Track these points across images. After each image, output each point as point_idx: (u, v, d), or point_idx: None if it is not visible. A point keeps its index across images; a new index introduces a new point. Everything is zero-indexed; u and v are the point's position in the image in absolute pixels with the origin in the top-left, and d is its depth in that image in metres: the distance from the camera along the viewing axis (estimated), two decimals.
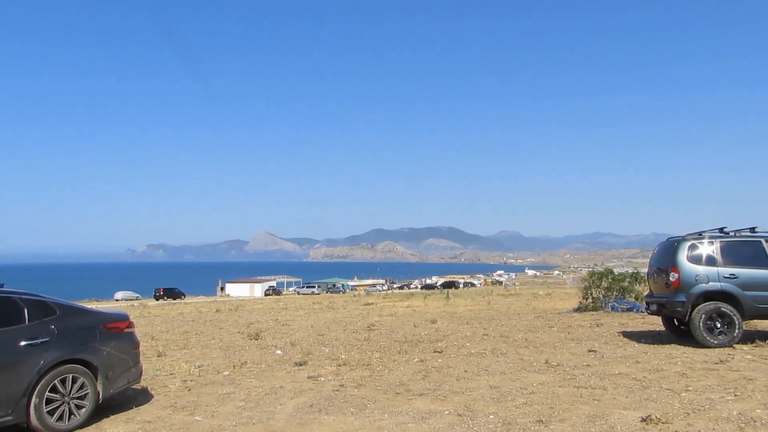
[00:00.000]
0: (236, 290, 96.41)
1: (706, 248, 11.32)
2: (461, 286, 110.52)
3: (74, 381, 7.20)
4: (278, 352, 12.12)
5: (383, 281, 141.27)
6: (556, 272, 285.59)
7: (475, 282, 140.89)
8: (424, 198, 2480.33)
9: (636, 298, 20.12)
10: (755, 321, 13.16)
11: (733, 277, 11.23)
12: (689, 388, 7.89)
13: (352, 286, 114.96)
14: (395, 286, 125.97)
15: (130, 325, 8.09)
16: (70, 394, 7.14)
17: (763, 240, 11.20)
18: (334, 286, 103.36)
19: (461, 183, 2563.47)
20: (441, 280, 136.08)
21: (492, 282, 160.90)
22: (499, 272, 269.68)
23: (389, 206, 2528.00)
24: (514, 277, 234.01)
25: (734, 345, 11.01)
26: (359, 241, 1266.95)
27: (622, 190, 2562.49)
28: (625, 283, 20.30)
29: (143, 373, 9.48)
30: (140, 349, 8.46)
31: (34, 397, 6.77)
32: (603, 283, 20.36)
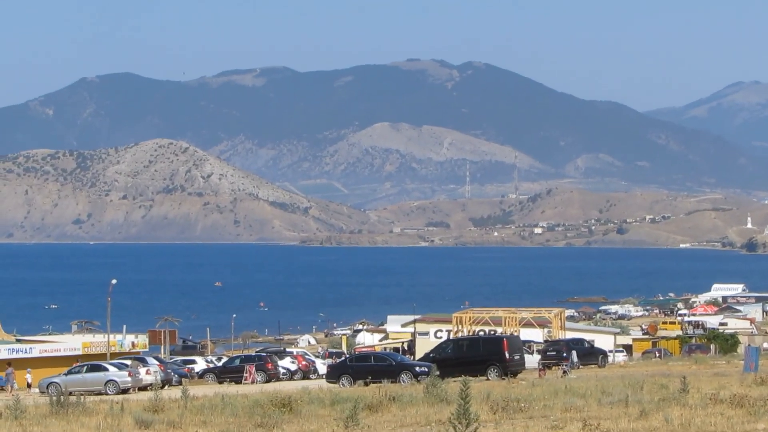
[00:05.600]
0: None
1: None
2: (537, 357, 42.89)
3: None
4: None
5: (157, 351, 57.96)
6: None
7: (620, 334, 60.42)
8: None
9: None
10: None
11: None
12: None
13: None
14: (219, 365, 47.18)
15: None
16: None
17: None
18: None
19: None
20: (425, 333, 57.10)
21: (695, 345, 61.62)
22: (730, 291, 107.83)
23: None
24: None
25: None
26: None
27: None
28: None
29: None
30: None
31: None
32: None
